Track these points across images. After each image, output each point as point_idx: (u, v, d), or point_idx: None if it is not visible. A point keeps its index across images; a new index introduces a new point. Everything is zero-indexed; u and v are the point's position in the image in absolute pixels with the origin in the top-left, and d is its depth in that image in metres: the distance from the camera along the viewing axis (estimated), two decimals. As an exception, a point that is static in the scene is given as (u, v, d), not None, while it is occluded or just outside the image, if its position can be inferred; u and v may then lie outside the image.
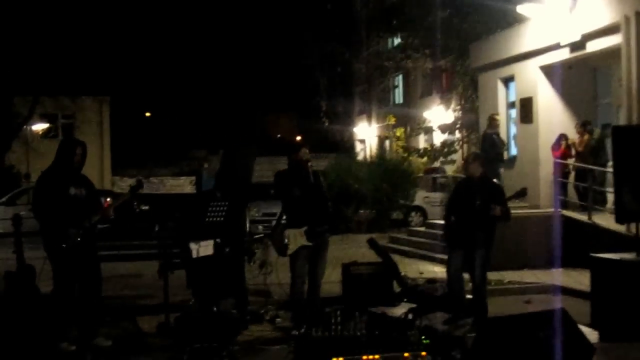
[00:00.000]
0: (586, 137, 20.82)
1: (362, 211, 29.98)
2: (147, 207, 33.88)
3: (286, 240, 11.10)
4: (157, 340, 10.97)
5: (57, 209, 10.14)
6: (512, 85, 24.39)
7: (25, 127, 37.79)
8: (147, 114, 71.28)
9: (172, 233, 12.85)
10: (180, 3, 59.77)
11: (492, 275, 15.14)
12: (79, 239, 10.22)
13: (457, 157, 35.69)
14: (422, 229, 23.11)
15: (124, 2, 42.23)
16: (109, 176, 47.02)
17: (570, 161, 20.85)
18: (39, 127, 40.39)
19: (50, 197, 10.23)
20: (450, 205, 12.28)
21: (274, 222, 11.77)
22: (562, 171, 20.50)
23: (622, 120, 19.52)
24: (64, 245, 10.10)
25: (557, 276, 16.14)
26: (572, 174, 20.76)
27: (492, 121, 20.83)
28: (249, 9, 55.03)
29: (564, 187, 20.19)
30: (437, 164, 36.85)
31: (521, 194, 11.97)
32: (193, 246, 10.51)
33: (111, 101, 47.47)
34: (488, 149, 19.81)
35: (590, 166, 19.82)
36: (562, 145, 21.13)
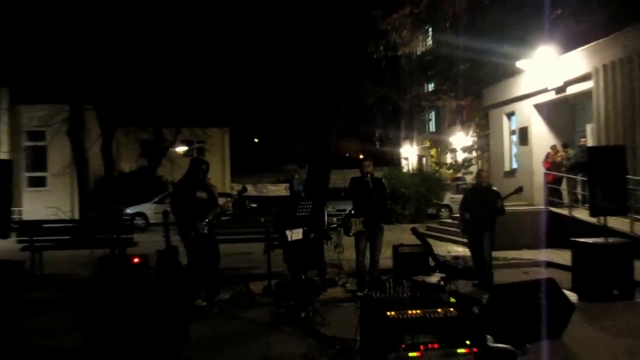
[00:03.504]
0: (561, 154, 20.58)
1: (406, 207, 29.88)
2: (255, 205, 34.26)
3: (350, 225, 11.22)
4: (263, 299, 11.03)
5: (187, 207, 10.36)
6: (513, 118, 24.20)
7: (170, 149, 38.19)
8: (255, 140, 72.02)
9: (273, 223, 13.05)
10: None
11: (499, 254, 15.01)
12: (204, 229, 10.43)
13: (474, 169, 35.25)
14: (449, 220, 22.97)
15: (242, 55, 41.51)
16: (229, 183, 47.31)
17: (555, 171, 20.51)
18: (180, 149, 40.57)
19: (183, 199, 10.44)
20: (464, 204, 12.51)
21: (344, 216, 11.77)
22: (548, 178, 20.14)
23: (592, 143, 19.34)
24: (192, 233, 10.35)
25: (547, 254, 15.89)
26: (564, 180, 20.13)
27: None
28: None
29: (550, 190, 19.86)
30: (460, 174, 36.55)
31: (518, 190, 12.02)
32: (288, 232, 10.54)
33: (230, 131, 47.73)
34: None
35: (570, 175, 19.62)
36: (548, 159, 20.98)
